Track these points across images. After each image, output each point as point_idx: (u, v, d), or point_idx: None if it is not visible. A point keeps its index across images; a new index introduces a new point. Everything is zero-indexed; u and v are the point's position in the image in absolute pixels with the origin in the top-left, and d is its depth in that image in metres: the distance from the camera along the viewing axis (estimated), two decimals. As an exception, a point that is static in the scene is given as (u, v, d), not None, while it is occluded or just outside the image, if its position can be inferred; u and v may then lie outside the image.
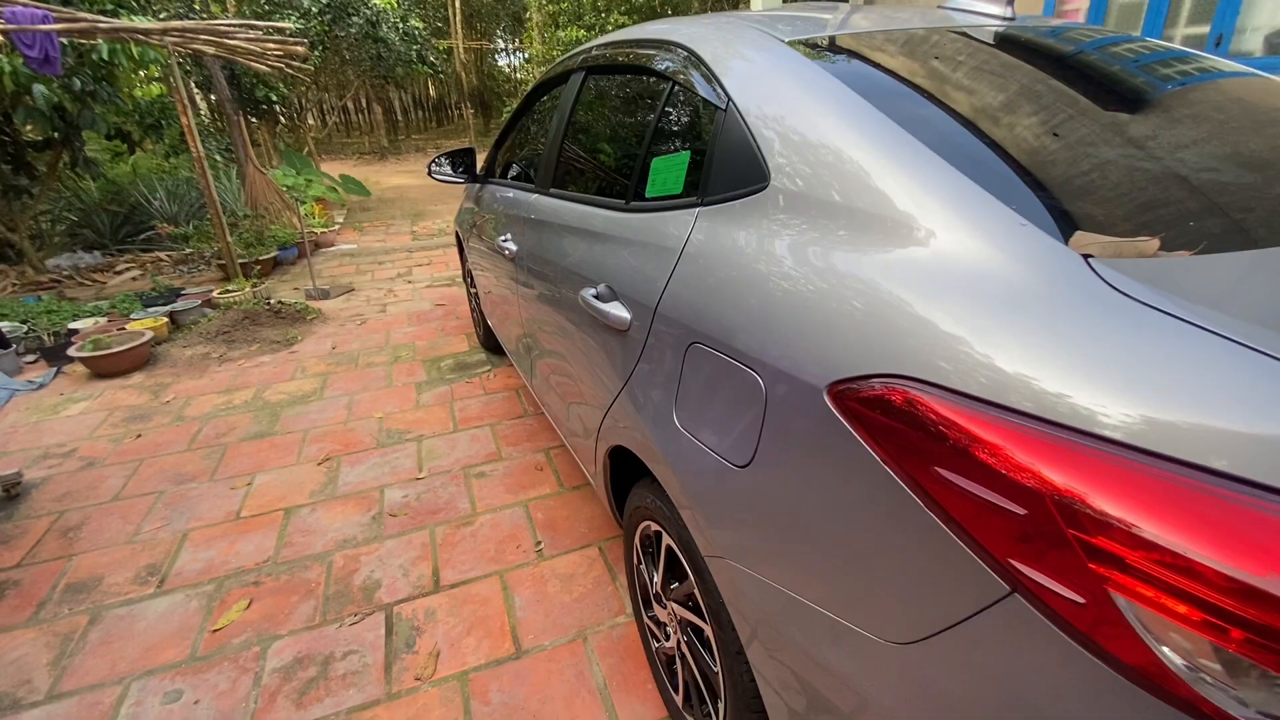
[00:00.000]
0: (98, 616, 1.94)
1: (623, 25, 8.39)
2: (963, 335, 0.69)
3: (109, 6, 5.47)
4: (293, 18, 8.59)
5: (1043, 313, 0.67)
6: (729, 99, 1.18)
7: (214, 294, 4.88)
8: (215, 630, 1.87)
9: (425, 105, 25.71)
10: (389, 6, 9.21)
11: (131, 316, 4.31)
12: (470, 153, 2.97)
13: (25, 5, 3.83)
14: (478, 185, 3.08)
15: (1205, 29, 3.65)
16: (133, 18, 5.18)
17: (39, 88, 4.61)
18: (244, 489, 2.56)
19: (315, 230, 7.00)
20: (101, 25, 4.00)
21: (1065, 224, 0.76)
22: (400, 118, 23.81)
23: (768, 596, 0.95)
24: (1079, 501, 0.56)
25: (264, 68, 5.23)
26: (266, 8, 9.14)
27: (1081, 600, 0.56)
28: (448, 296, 5.06)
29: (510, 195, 2.46)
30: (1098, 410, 0.57)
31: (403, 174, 13.69)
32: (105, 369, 3.65)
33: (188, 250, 6.31)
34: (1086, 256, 0.69)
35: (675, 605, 1.39)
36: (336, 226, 7.95)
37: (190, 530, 2.32)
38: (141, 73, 6.78)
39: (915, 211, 0.82)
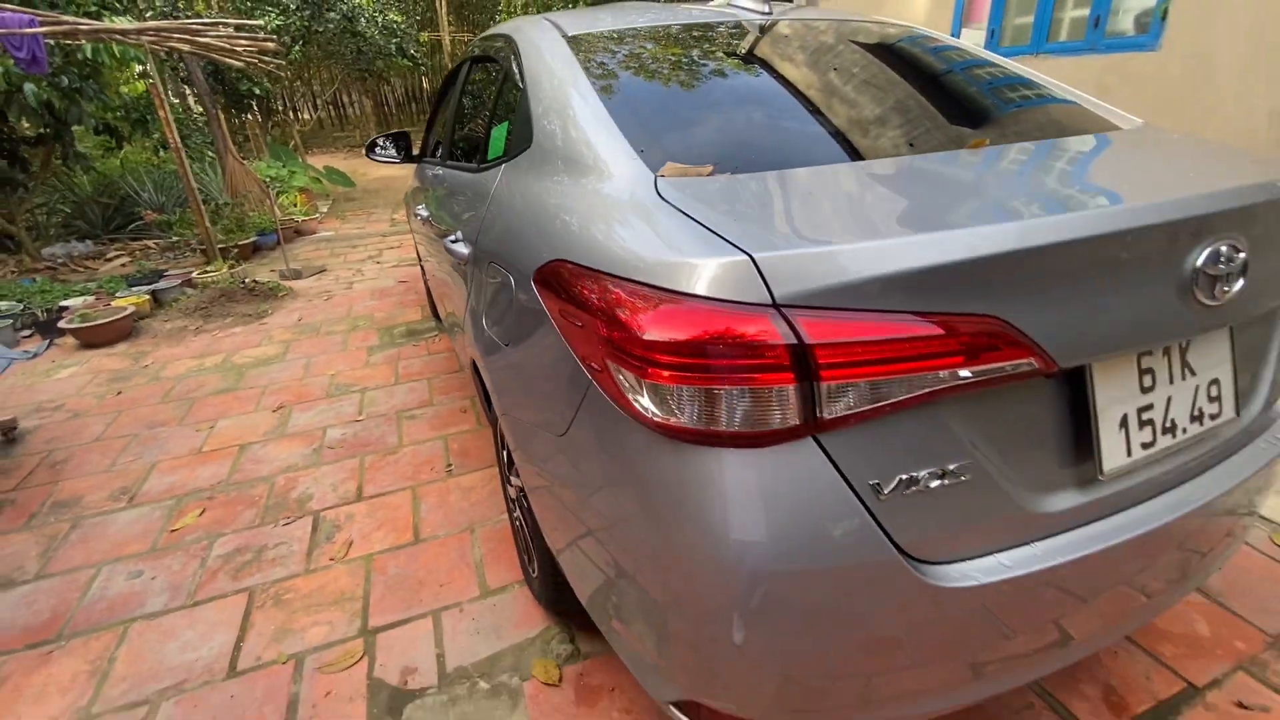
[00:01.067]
0: (78, 523, 2.36)
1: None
2: (591, 230, 1.08)
3: (92, 8, 5.85)
4: (272, 14, 8.92)
5: (627, 213, 1.05)
6: (524, 81, 1.56)
7: (194, 275, 5.29)
8: (173, 530, 2.28)
9: (419, 98, 25.98)
10: (365, 1, 9.54)
11: (116, 295, 4.72)
12: (405, 135, 3.34)
13: (13, 10, 4.20)
14: (414, 165, 3.45)
15: (1087, 11, 3.98)
16: (114, 19, 5.55)
17: (29, 86, 5.00)
18: (207, 431, 2.97)
19: (296, 218, 7.39)
20: (82, 27, 4.37)
21: (662, 158, 1.14)
22: (394, 110, 24.03)
23: (520, 429, 1.35)
24: (609, 314, 0.94)
25: (238, 63, 5.59)
26: (249, 4, 9.46)
27: (598, 368, 0.95)
28: (411, 275, 5.45)
29: (427, 171, 2.85)
30: (629, 259, 0.95)
31: (390, 166, 14.03)
32: (91, 339, 4.05)
33: (174, 238, 6.71)
34: (657, 178, 1.07)
35: (511, 477, 1.79)
36: (319, 215, 8.33)
37: (158, 462, 2.73)
38: (125, 71, 7.15)
39: (598, 158, 1.21)
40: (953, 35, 4.71)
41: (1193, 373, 1.05)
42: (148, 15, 7.17)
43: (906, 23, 2.01)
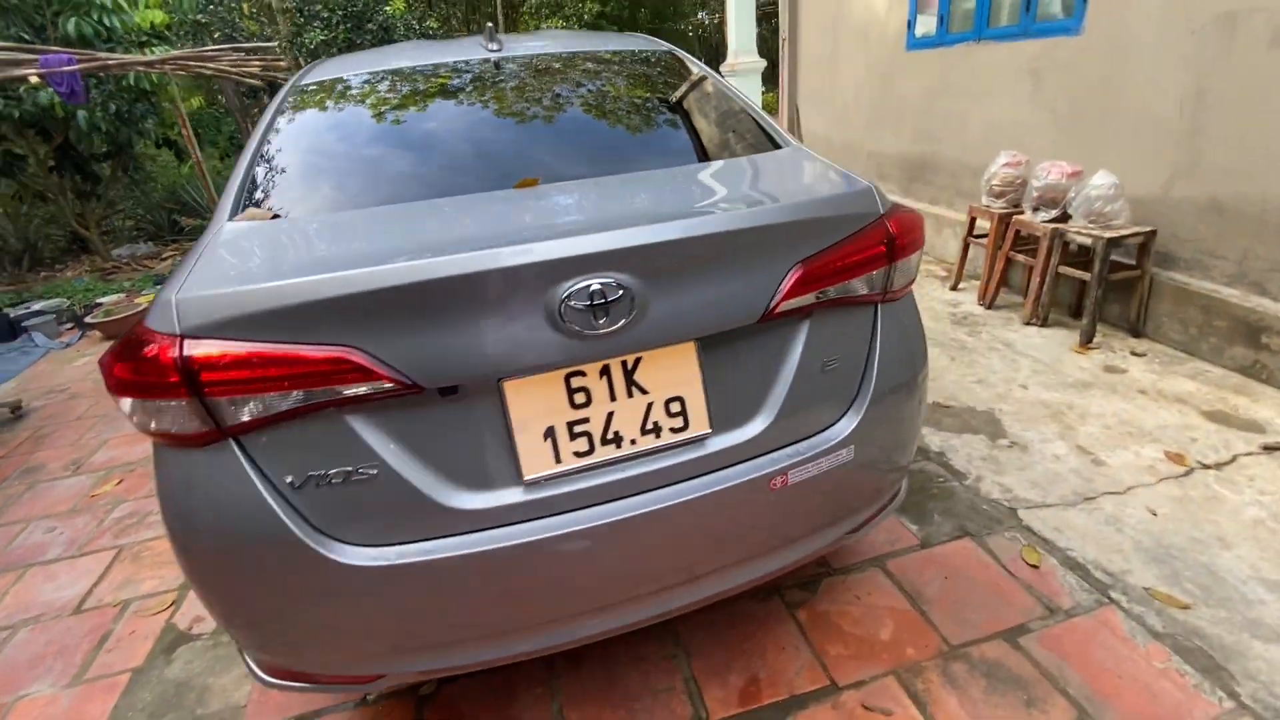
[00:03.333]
0: (33, 486, 2.90)
1: (600, 14, 8.84)
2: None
3: (144, 39, 6.68)
4: (319, 29, 9.71)
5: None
6: None
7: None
8: (92, 496, 2.77)
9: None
10: (398, 11, 10.15)
11: (142, 293, 5.46)
12: None
13: (55, 52, 4.95)
14: None
15: (1027, -4, 3.77)
16: (153, 49, 6.33)
17: (81, 113, 5.83)
18: (160, 413, 3.49)
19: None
20: (110, 61, 5.08)
21: (264, 204, 1.38)
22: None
23: None
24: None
25: (257, 82, 6.24)
26: (300, 20, 10.30)
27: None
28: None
29: None
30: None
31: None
32: (113, 332, 4.76)
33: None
34: (231, 220, 1.31)
35: None
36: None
37: (109, 439, 3.27)
38: (182, 91, 8.07)
39: (220, 206, 1.44)
40: (909, 21, 4.55)
41: (643, 390, 1.18)
42: (188, 44, 8.04)
43: (653, 47, 2.12)
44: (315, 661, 1.22)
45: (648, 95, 1.86)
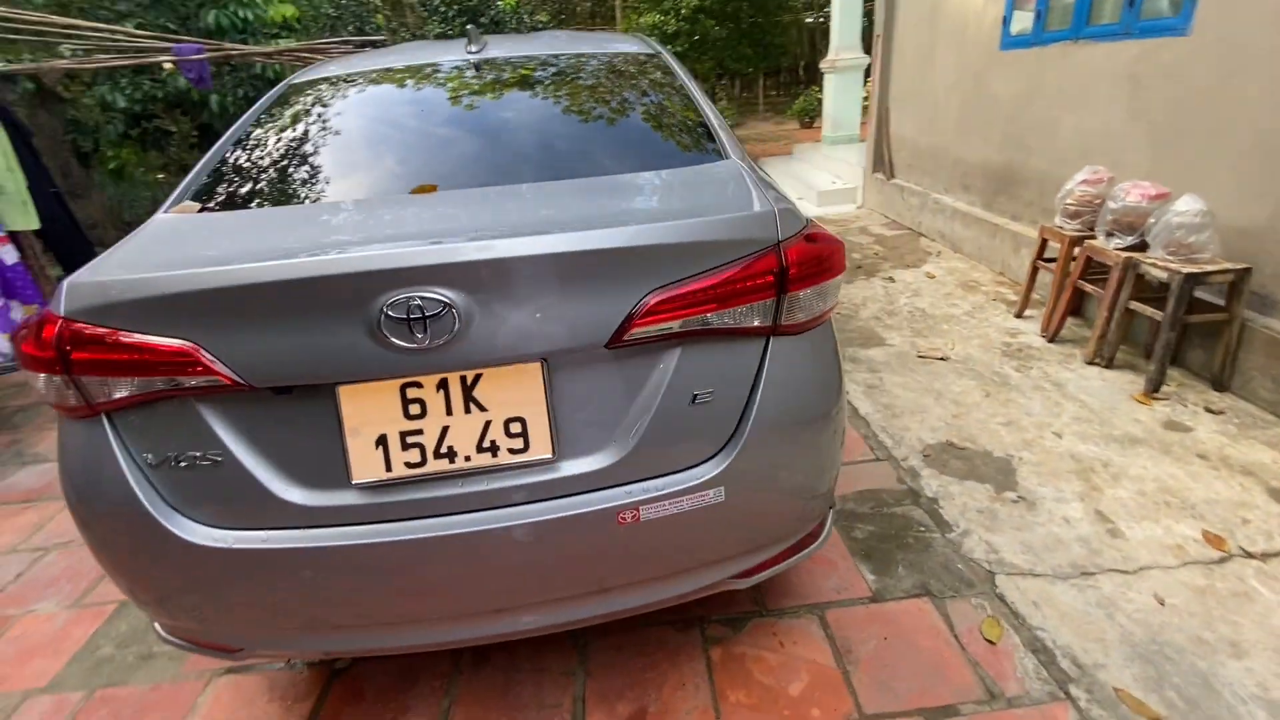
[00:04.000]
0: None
1: (698, 9, 8.71)
2: None
3: (274, 31, 7.38)
4: (436, 22, 10.30)
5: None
6: None
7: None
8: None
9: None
10: (508, 5, 10.55)
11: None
12: None
13: (187, 41, 5.59)
14: None
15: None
16: (280, 41, 6.97)
17: (214, 97, 6.54)
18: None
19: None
20: (233, 52, 5.65)
21: (210, 198, 1.47)
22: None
23: None
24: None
25: (362, 72, 6.71)
26: (423, 12, 10.97)
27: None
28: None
29: None
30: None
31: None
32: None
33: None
34: (165, 211, 1.42)
35: None
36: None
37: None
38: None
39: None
40: (1005, 17, 4.10)
41: (481, 408, 1.16)
42: (322, 35, 8.74)
43: (638, 49, 2.05)
44: (186, 626, 1.32)
45: (603, 101, 1.81)
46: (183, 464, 1.15)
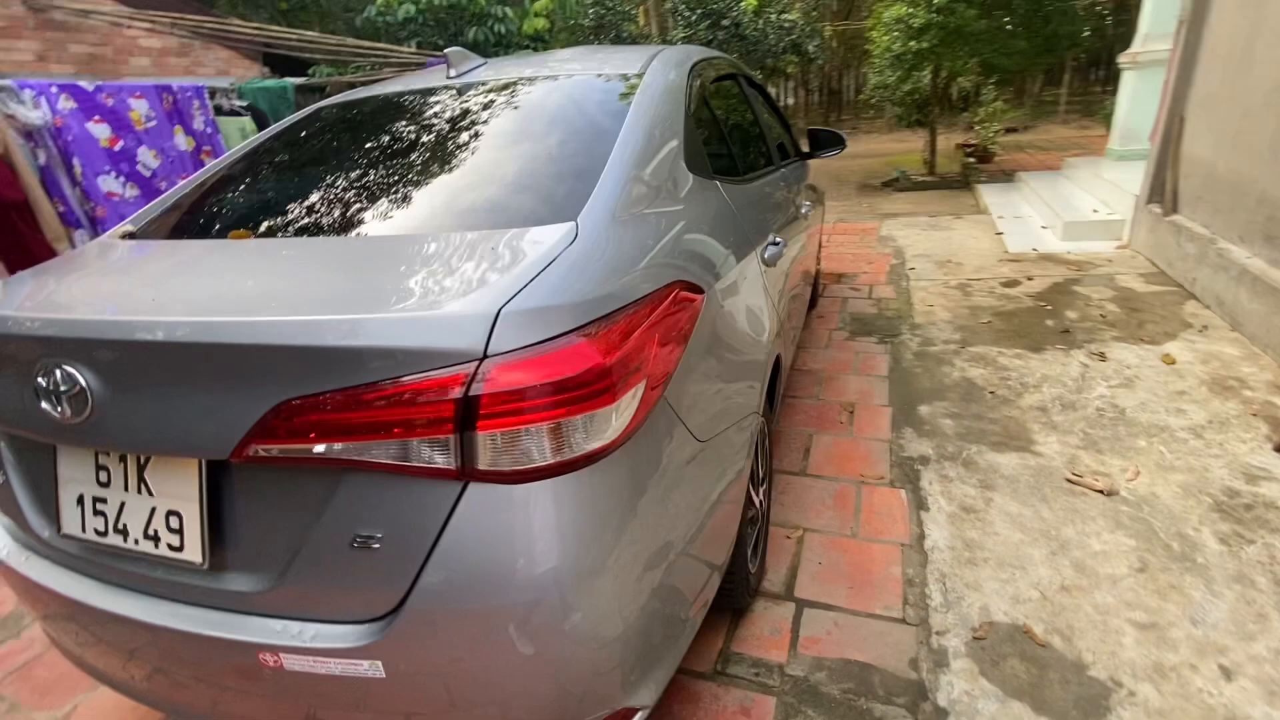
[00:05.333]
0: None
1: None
2: None
3: (527, 44, 8.21)
4: (681, 25, 10.49)
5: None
6: None
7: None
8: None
9: (818, 89, 25.05)
10: (750, 6, 10.19)
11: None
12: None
13: (436, 57, 6.48)
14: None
15: None
16: (531, 52, 7.70)
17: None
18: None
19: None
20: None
21: (151, 223, 1.60)
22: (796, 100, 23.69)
23: None
24: None
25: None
26: (672, 20, 11.30)
27: None
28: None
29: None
30: None
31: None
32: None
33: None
34: (124, 237, 1.57)
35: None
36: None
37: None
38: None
39: None
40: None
41: (150, 492, 1.06)
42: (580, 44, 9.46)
43: (628, 69, 1.71)
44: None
45: (508, 137, 1.57)
46: None
